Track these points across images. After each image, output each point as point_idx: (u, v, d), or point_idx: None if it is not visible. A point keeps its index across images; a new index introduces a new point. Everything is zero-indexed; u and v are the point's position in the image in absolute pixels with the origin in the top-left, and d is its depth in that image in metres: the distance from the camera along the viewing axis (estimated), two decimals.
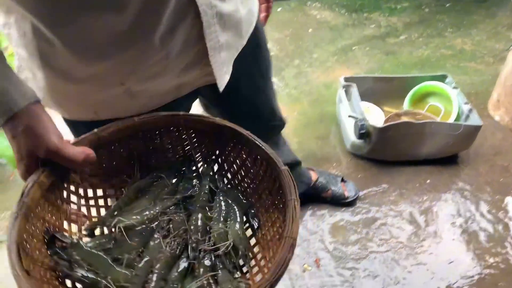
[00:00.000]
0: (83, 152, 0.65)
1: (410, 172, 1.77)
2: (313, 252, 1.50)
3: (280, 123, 1.31)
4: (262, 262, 0.67)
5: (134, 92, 0.76)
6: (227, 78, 0.84)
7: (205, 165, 0.83)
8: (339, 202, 1.66)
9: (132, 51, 0.70)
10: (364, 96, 1.85)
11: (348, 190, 1.67)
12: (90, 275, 0.65)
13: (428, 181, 1.74)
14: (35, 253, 0.62)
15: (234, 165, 0.80)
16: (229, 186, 0.81)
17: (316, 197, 1.66)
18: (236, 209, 0.74)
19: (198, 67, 0.79)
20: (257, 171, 0.74)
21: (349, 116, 1.78)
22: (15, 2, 0.65)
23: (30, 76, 0.77)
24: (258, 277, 0.65)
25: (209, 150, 0.82)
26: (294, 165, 1.53)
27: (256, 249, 0.71)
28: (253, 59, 1.00)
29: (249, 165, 0.76)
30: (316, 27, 2.79)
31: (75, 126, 0.89)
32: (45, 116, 0.64)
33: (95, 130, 0.71)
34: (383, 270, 1.44)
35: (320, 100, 2.12)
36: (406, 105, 1.93)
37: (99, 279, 0.65)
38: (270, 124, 1.26)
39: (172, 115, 0.76)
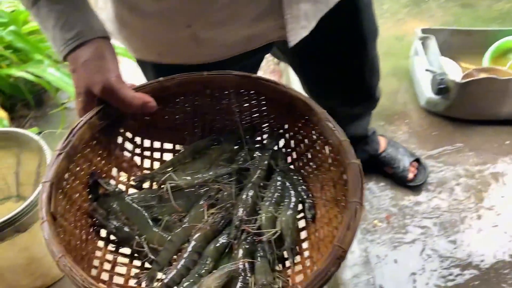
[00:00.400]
0: (141, 98, 0.62)
1: (488, 132, 1.67)
2: (383, 208, 1.46)
3: (371, 103, 1.22)
4: (308, 263, 0.60)
5: (200, 38, 0.73)
6: (303, 34, 0.77)
7: (270, 138, 0.75)
8: (400, 182, 1.50)
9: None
10: (439, 51, 1.73)
11: (416, 173, 1.50)
12: (125, 229, 0.63)
13: (507, 142, 1.64)
14: (74, 195, 0.60)
15: (302, 145, 0.71)
16: (290, 167, 0.73)
17: (378, 169, 1.53)
18: (292, 195, 0.67)
19: (271, 18, 0.73)
20: (324, 158, 0.64)
21: (426, 70, 1.68)
22: None
23: (103, 6, 0.76)
24: (298, 278, 0.58)
25: (278, 122, 0.74)
26: (363, 137, 1.44)
27: (304, 245, 0.63)
28: (351, 20, 0.91)
29: (318, 149, 0.66)
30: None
31: (144, 67, 0.87)
32: (109, 53, 0.62)
33: (160, 78, 0.67)
34: (455, 230, 1.39)
35: (391, 53, 2.00)
36: (486, 61, 1.79)
37: (133, 235, 0.63)
38: (359, 99, 1.17)
39: (246, 76, 0.69)
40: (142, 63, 0.86)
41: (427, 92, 1.68)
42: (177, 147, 0.78)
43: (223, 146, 0.73)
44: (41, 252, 1.29)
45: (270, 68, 2.08)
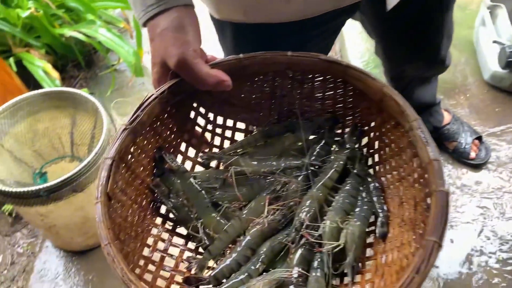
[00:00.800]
0: (216, 76, 0.58)
1: None
2: None
3: (442, 66, 1.18)
4: (367, 287, 0.53)
5: None
6: None
7: (352, 134, 0.67)
8: (461, 159, 1.43)
9: None
10: (510, 21, 1.61)
11: (478, 150, 1.44)
12: (184, 209, 0.62)
13: None
14: (138, 169, 0.59)
15: (387, 149, 0.62)
16: (369, 171, 0.65)
17: (438, 143, 1.45)
18: (365, 204, 0.59)
19: None
20: (410, 171, 0.55)
21: (494, 42, 1.56)
22: None
23: None
24: None
25: (364, 118, 0.66)
26: (431, 105, 1.39)
27: (368, 264, 0.57)
28: None
29: (404, 159, 0.57)
30: None
31: (222, 29, 0.82)
32: (190, 24, 0.57)
33: (240, 55, 0.62)
34: None
35: (460, 24, 1.89)
36: None
37: (191, 217, 0.61)
38: (433, 62, 1.13)
39: (335, 62, 0.61)
40: (221, 27, 0.82)
41: (492, 66, 1.58)
42: (250, 128, 0.74)
43: (298, 134, 0.68)
44: None
45: None
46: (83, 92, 1.29)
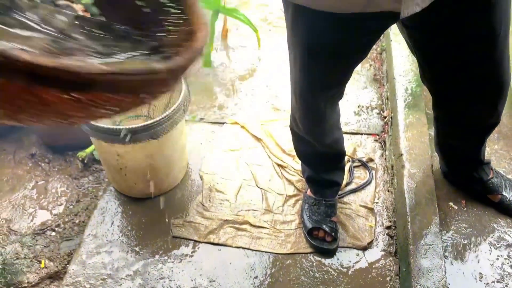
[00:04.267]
0: None
1: None
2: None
3: (492, 119, 1.23)
4: None
5: None
6: (416, 9, 0.85)
7: None
8: (507, 212, 1.47)
9: None
10: None
11: None
12: None
13: None
14: None
15: None
16: None
17: (482, 196, 1.50)
18: None
19: None
20: None
21: None
22: None
23: None
24: None
25: None
26: (482, 163, 1.46)
27: None
28: (479, 14, 0.97)
29: None
30: None
31: (287, 5, 1.03)
32: None
33: None
34: None
35: None
36: None
37: None
38: (481, 96, 1.15)
39: None
40: (286, 4, 1.04)
41: None
42: None
43: None
44: (162, 162, 1.55)
45: (372, 56, 2.22)
46: None
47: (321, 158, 1.49)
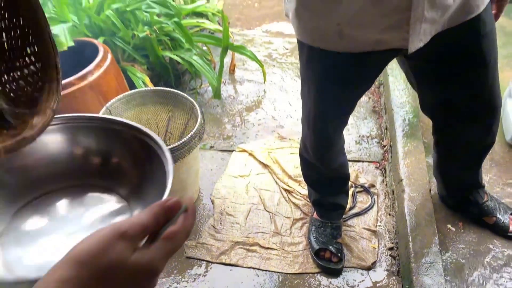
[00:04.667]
0: None
1: None
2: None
3: (488, 140, 1.35)
4: None
5: (343, 33, 1.03)
6: (419, 45, 1.01)
7: None
8: (501, 233, 1.56)
9: (350, 3, 0.96)
10: None
11: None
12: None
13: None
14: None
15: None
16: None
17: (477, 218, 1.60)
18: None
19: (397, 31, 1.00)
20: None
21: None
22: None
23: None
24: None
25: None
26: (477, 187, 1.56)
27: None
28: (470, 44, 1.11)
29: None
30: None
31: (302, 47, 1.17)
32: None
33: None
34: None
35: None
36: None
37: None
38: (474, 119, 1.26)
39: None
40: (301, 45, 1.19)
41: None
42: None
43: None
44: (177, 185, 1.65)
45: (371, 89, 2.37)
46: (184, 94, 1.68)
47: (327, 182, 1.59)
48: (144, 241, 0.42)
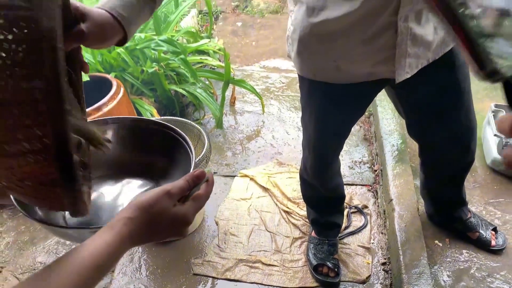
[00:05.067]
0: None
1: None
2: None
3: (468, 159, 1.50)
4: None
5: (340, 68, 1.20)
6: (406, 76, 1.17)
7: None
8: (484, 247, 1.71)
9: (343, 43, 1.13)
10: None
11: (496, 239, 1.72)
12: None
13: None
14: None
15: None
16: None
17: (462, 234, 1.74)
18: None
19: (386, 65, 1.16)
20: None
21: (494, 135, 2.05)
22: None
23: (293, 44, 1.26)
24: None
25: None
26: (461, 204, 1.71)
27: None
28: (447, 74, 1.27)
29: None
30: None
31: (302, 81, 1.34)
32: None
33: None
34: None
35: None
36: None
37: None
38: (455, 143, 1.43)
39: None
40: (302, 80, 1.36)
41: (493, 153, 2.04)
42: None
43: None
44: None
45: (362, 119, 2.55)
46: (191, 122, 1.85)
47: (325, 202, 1.74)
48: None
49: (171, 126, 0.85)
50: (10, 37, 0.40)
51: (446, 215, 1.76)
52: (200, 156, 1.68)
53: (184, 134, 0.85)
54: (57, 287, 0.45)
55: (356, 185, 2.17)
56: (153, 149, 0.86)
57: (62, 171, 0.48)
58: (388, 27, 1.08)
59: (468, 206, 1.80)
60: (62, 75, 0.44)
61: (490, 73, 0.43)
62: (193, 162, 0.79)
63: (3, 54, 0.40)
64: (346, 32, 1.11)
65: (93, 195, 0.82)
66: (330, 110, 1.35)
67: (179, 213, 0.57)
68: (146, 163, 0.87)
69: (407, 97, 1.37)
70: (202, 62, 2.65)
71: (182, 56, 2.32)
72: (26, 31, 0.40)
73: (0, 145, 0.45)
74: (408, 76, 1.19)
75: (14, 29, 0.40)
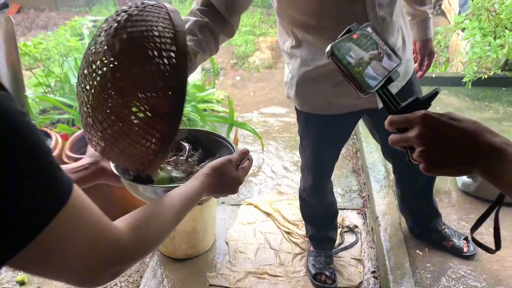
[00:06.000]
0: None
1: (507, 213, 2.29)
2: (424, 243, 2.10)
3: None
4: None
5: (331, 102, 1.55)
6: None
7: None
8: (457, 254, 1.99)
9: (331, 83, 1.47)
10: None
11: (468, 247, 1.99)
12: None
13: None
14: None
15: None
16: None
17: (437, 243, 2.03)
18: None
19: (366, 98, 1.53)
20: None
21: None
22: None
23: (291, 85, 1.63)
24: None
25: None
26: (435, 216, 2.03)
27: None
28: (408, 92, 1.61)
29: None
30: (442, 108, 3.46)
31: (300, 115, 1.68)
32: None
33: None
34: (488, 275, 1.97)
35: None
36: None
37: None
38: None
39: None
40: (300, 113, 1.71)
41: (462, 177, 2.39)
42: None
43: None
44: (201, 225, 2.08)
45: (350, 154, 2.91)
46: None
47: (321, 218, 2.05)
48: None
49: (220, 134, 1.17)
50: (164, 61, 0.72)
51: (424, 227, 2.07)
52: None
53: (230, 140, 1.17)
54: (171, 203, 0.76)
55: (348, 209, 2.48)
56: (209, 148, 1.17)
57: (175, 108, 0.73)
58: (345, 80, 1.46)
59: (445, 222, 2.12)
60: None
61: (364, 91, 0.77)
62: (235, 151, 1.09)
63: (166, 61, 0.72)
64: (333, 74, 1.47)
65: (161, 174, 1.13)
66: (324, 136, 1.69)
67: (235, 175, 0.88)
68: (204, 158, 1.17)
69: (379, 121, 1.73)
70: (208, 109, 3.03)
71: (193, 103, 2.70)
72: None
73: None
74: None
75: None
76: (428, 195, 1.98)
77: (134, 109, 0.72)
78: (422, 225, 2.08)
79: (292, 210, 2.42)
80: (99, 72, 0.72)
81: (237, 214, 2.45)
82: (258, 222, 2.39)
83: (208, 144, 1.10)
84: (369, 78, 0.75)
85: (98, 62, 0.72)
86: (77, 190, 0.57)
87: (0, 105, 0.49)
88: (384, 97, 0.75)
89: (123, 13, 0.74)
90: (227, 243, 2.26)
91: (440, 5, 5.08)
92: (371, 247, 2.21)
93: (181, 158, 1.05)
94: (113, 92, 0.72)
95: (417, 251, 2.07)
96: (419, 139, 0.68)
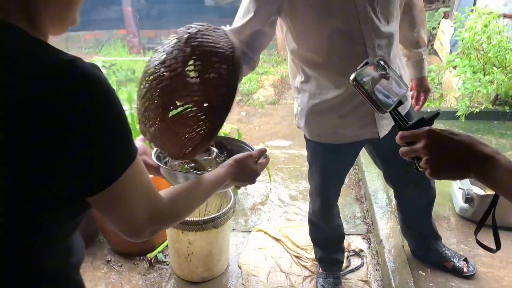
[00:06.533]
0: None
1: (503, 235, 2.43)
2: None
3: (430, 194, 2.01)
4: None
5: (337, 132, 1.73)
6: (385, 133, 1.69)
7: None
8: (458, 274, 2.10)
9: (337, 115, 1.64)
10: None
11: (467, 267, 2.11)
12: None
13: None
14: None
15: None
16: None
17: (439, 264, 2.14)
18: None
19: (368, 128, 1.68)
20: None
21: (459, 188, 2.57)
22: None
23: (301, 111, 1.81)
24: None
25: None
26: (436, 238, 2.17)
27: None
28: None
29: None
30: None
31: (308, 142, 1.87)
32: None
33: None
34: None
35: (441, 183, 2.91)
36: None
37: None
38: (420, 184, 1.95)
39: None
40: (309, 141, 1.89)
41: (460, 203, 2.54)
42: None
43: None
44: (216, 249, 2.21)
45: (353, 183, 3.07)
46: None
47: (329, 241, 2.18)
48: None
49: (241, 140, 1.34)
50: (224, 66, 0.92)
51: (425, 248, 2.21)
52: (228, 206, 2.15)
53: (249, 144, 1.34)
54: (201, 185, 0.92)
55: (353, 234, 2.62)
56: (234, 152, 1.33)
57: (226, 102, 0.94)
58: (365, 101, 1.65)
59: (446, 245, 2.25)
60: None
61: (382, 110, 0.94)
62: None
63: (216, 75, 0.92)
64: (338, 107, 1.66)
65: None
66: (331, 162, 1.86)
67: (254, 168, 1.05)
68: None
69: (381, 150, 1.91)
70: None
71: None
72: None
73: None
74: (386, 132, 1.70)
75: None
76: (428, 217, 2.12)
77: (195, 98, 0.92)
78: (424, 247, 2.21)
79: (301, 235, 2.56)
80: (165, 69, 0.92)
81: (248, 240, 2.59)
82: (268, 247, 2.52)
83: (233, 148, 1.28)
84: (384, 100, 0.92)
85: (169, 61, 0.92)
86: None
87: (102, 76, 0.69)
88: (396, 117, 0.92)
89: (192, 28, 0.96)
90: (239, 267, 2.38)
91: (432, 45, 5.38)
92: (376, 269, 2.33)
93: (210, 158, 1.24)
94: (182, 84, 0.92)
95: (420, 271, 2.20)
96: (425, 149, 0.84)
